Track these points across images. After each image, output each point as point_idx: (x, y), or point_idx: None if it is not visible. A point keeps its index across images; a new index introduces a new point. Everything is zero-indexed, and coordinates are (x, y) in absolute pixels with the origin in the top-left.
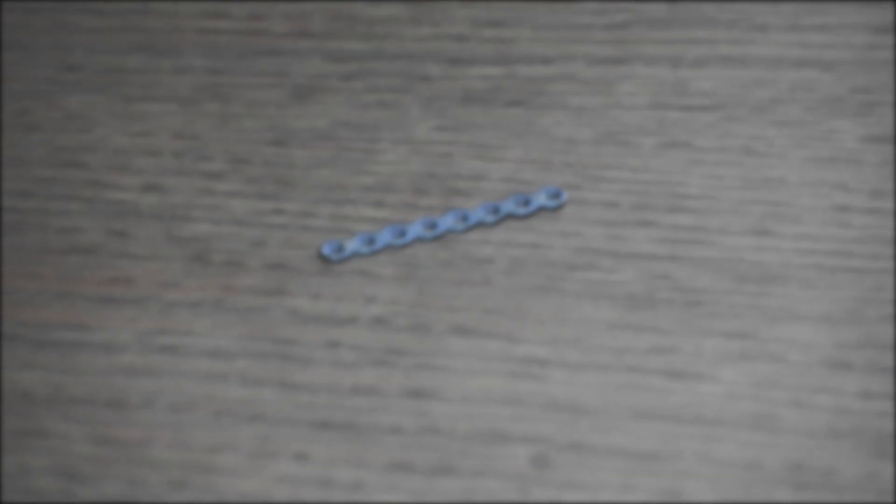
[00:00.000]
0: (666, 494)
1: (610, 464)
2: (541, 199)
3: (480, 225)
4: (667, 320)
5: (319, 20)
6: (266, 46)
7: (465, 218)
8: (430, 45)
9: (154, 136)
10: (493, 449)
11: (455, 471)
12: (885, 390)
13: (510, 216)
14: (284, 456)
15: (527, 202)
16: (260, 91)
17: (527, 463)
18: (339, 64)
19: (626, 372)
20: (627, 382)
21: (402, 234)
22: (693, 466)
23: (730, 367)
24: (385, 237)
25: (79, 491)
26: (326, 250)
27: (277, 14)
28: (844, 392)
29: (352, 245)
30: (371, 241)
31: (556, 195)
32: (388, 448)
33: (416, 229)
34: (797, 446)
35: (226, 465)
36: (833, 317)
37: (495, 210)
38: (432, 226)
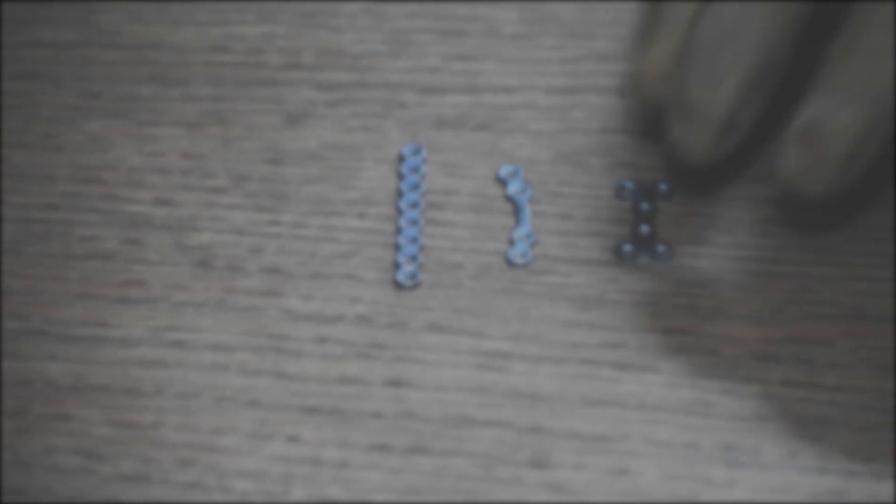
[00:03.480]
0: (615, 471)
1: (566, 445)
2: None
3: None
4: (615, 319)
5: (310, 54)
6: (263, 77)
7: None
8: (406, 76)
9: (164, 156)
10: (462, 431)
11: (429, 450)
12: (805, 379)
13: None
14: (279, 437)
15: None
16: (258, 116)
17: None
18: (326, 92)
19: (579, 364)
20: (581, 373)
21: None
22: (638, 447)
23: (670, 359)
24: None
25: (98, 468)
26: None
27: (273, 49)
28: (770, 381)
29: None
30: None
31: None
32: (370, 431)
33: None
34: (729, 429)
35: (227, 446)
36: (760, 315)
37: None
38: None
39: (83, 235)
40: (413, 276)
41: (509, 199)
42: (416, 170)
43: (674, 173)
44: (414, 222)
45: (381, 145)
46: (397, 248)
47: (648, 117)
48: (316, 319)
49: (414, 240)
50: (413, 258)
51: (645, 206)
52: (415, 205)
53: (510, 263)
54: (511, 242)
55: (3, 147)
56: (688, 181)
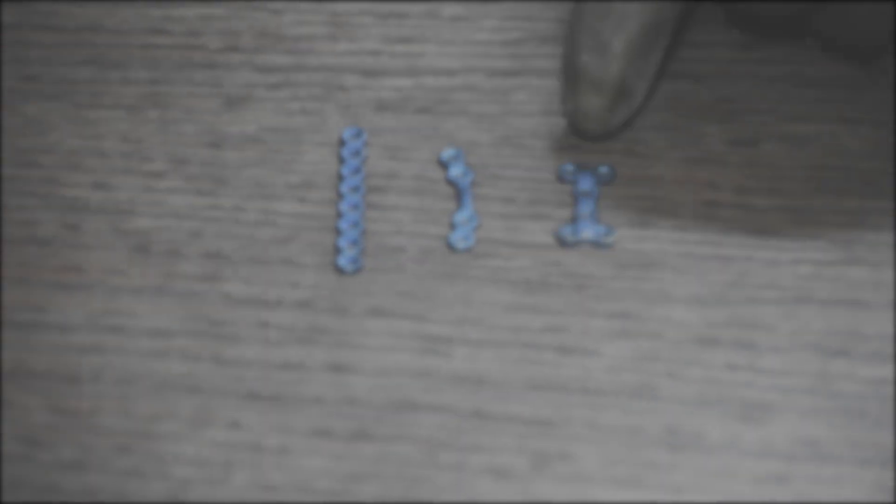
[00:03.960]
0: (558, 455)
1: (508, 429)
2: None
3: None
4: (558, 302)
5: (249, 37)
6: (202, 60)
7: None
8: (347, 59)
9: (102, 139)
10: (405, 416)
11: (371, 436)
12: (747, 363)
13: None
14: (219, 424)
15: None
16: (196, 99)
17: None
18: (266, 75)
19: (522, 348)
20: (523, 357)
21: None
22: (581, 431)
23: (613, 343)
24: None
25: (37, 455)
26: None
27: (212, 31)
28: (713, 365)
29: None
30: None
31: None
32: (311, 416)
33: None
34: (672, 412)
35: (166, 432)
36: (703, 299)
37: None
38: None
39: (20, 220)
40: (354, 260)
41: (451, 182)
42: (357, 153)
43: (617, 156)
44: (355, 206)
45: (322, 129)
46: (338, 232)
47: None
48: (256, 304)
49: (355, 224)
50: (354, 243)
51: (587, 188)
52: (356, 189)
53: (452, 247)
54: (453, 226)
55: None
56: (630, 164)
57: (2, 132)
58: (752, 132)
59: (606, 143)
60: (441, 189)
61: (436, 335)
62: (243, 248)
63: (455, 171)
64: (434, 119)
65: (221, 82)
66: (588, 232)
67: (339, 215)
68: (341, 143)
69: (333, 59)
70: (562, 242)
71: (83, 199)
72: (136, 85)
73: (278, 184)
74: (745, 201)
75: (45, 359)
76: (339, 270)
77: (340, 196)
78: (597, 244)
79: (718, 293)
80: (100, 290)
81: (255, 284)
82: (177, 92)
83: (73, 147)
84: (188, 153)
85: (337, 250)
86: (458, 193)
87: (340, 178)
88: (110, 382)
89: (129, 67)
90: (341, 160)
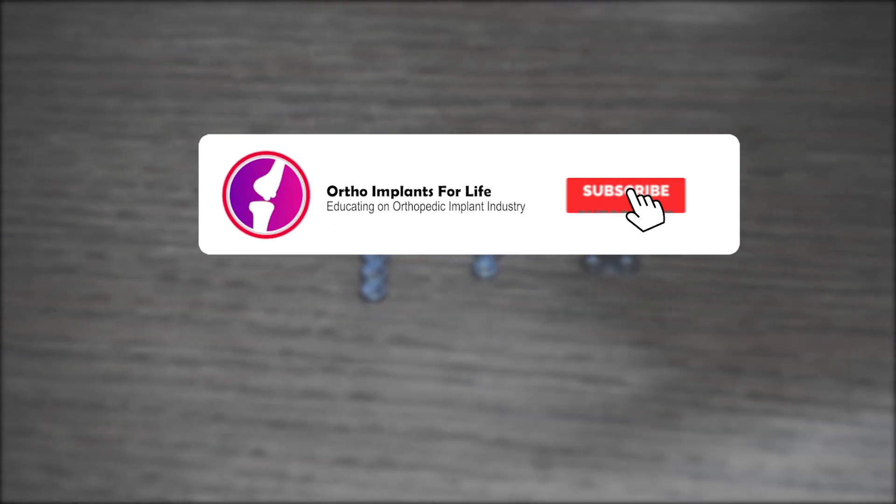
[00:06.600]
0: (580, 484)
1: (531, 457)
2: None
3: None
4: (581, 331)
5: (275, 67)
6: (228, 90)
7: None
8: (372, 88)
9: (128, 168)
10: (428, 445)
11: (394, 464)
12: (771, 392)
13: None
14: (244, 452)
15: None
16: (223, 129)
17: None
18: (292, 105)
19: (545, 376)
20: (547, 386)
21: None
22: (604, 460)
23: (636, 372)
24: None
25: (62, 483)
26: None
27: (238, 61)
28: (736, 393)
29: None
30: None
31: None
32: (335, 444)
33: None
34: (695, 441)
35: (192, 460)
36: (726, 327)
37: None
38: None
39: (47, 249)
40: (379, 288)
41: None
42: None
43: None
44: None
45: None
46: (363, 261)
47: None
48: (281, 333)
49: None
50: (379, 271)
51: None
52: None
53: (476, 276)
54: (476, 255)
55: None
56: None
57: (27, 162)
58: (775, 161)
59: None
60: None
61: (459, 363)
62: (268, 276)
63: None
64: None
65: (247, 111)
66: (611, 260)
67: None
68: None
69: (359, 88)
70: (586, 271)
71: (109, 228)
72: (162, 114)
73: None
74: (769, 230)
75: (71, 387)
76: (364, 299)
77: None
78: (620, 272)
79: (742, 322)
80: (126, 319)
81: (279, 313)
82: (203, 121)
83: (99, 177)
84: None
85: (362, 279)
86: None
87: None
88: (136, 411)
89: (154, 97)
90: None
